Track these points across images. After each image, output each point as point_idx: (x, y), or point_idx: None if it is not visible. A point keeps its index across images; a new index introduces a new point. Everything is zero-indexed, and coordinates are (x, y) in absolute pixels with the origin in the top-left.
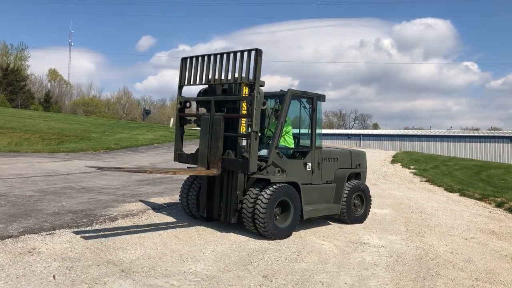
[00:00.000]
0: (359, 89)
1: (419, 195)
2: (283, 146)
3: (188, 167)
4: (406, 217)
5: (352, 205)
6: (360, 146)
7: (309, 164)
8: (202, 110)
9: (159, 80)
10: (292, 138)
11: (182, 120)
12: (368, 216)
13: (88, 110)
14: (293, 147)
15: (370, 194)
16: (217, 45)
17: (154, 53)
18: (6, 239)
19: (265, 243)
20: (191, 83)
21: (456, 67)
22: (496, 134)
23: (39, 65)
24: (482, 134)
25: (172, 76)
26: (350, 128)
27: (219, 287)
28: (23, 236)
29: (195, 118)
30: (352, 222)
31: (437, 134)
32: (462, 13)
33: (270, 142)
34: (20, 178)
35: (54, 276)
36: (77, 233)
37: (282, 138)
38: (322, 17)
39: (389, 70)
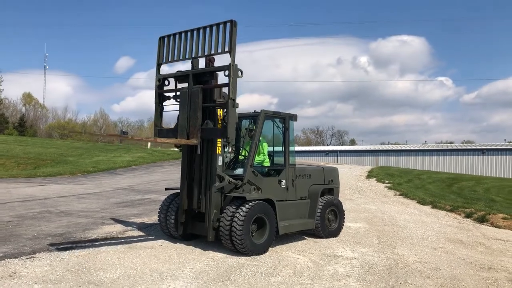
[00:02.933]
0: (336, 106)
1: (392, 208)
2: (258, 164)
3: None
4: (379, 230)
5: (326, 220)
6: (337, 162)
7: (284, 181)
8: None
9: (137, 101)
10: (267, 156)
11: (161, 97)
12: (342, 230)
13: (64, 134)
14: (268, 165)
15: (344, 208)
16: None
17: (132, 74)
18: None
19: (242, 259)
20: (169, 60)
21: (431, 83)
22: (468, 147)
23: (13, 88)
24: (455, 148)
25: (150, 97)
26: (327, 145)
27: None
28: (3, 261)
29: (174, 93)
30: (327, 236)
31: (412, 148)
32: (436, 30)
33: (245, 161)
34: None
35: None
36: (57, 256)
37: (262, 155)
38: (299, 36)
39: (366, 87)
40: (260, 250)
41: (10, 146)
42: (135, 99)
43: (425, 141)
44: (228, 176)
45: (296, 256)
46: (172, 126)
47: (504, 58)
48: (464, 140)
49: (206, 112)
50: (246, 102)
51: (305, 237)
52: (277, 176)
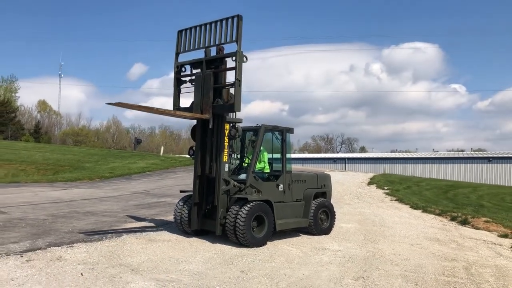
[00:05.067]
0: (348, 113)
1: (385, 212)
2: (259, 170)
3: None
4: (367, 229)
5: (319, 219)
6: (345, 169)
7: (281, 185)
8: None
9: None
10: (267, 164)
11: (179, 81)
12: (334, 229)
13: (78, 140)
14: (268, 171)
15: (341, 212)
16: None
17: (145, 81)
18: (37, 251)
19: (244, 250)
20: (186, 49)
21: (444, 90)
22: (475, 155)
23: (28, 95)
24: (462, 156)
25: (162, 104)
26: (337, 152)
27: (206, 277)
28: (49, 248)
29: (190, 78)
30: (319, 234)
31: (420, 156)
32: (449, 37)
33: (248, 167)
34: (30, 205)
35: (82, 273)
36: (91, 245)
37: (263, 163)
38: (312, 43)
39: (378, 94)
40: (260, 243)
41: (30, 152)
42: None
43: (433, 149)
44: (233, 180)
45: (290, 248)
46: (188, 105)
47: None
48: (472, 148)
49: (216, 92)
50: (258, 108)
51: (300, 234)
52: (275, 180)
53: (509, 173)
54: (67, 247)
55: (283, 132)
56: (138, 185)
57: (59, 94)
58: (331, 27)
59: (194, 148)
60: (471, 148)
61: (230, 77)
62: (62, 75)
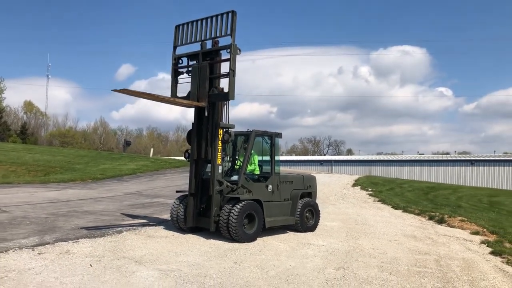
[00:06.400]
0: (336, 115)
1: (368, 212)
2: (250, 172)
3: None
4: (349, 227)
5: (305, 218)
6: (332, 171)
7: (270, 186)
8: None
9: (137, 109)
10: (258, 166)
11: (176, 72)
12: (318, 227)
13: (65, 141)
14: (258, 173)
15: (326, 211)
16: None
17: (133, 81)
18: (46, 245)
19: (236, 245)
20: (183, 43)
21: (431, 93)
22: (458, 158)
23: (13, 95)
24: (446, 158)
25: (149, 106)
26: (324, 155)
27: (204, 268)
28: (57, 243)
29: (187, 69)
30: (305, 231)
31: (404, 159)
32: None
33: (240, 169)
34: (29, 205)
35: (91, 264)
36: (95, 241)
37: (254, 165)
38: (300, 45)
39: (366, 97)
40: (250, 238)
41: (20, 153)
42: (134, 107)
43: (418, 152)
44: (226, 181)
45: (278, 244)
46: (185, 95)
47: (504, 69)
48: (456, 151)
49: (212, 82)
50: (246, 110)
51: (287, 231)
52: (265, 181)
53: (490, 176)
54: (73, 242)
55: (272, 136)
56: (130, 186)
57: (47, 95)
58: (320, 30)
59: (189, 151)
60: (455, 151)
61: (224, 68)
62: (50, 76)
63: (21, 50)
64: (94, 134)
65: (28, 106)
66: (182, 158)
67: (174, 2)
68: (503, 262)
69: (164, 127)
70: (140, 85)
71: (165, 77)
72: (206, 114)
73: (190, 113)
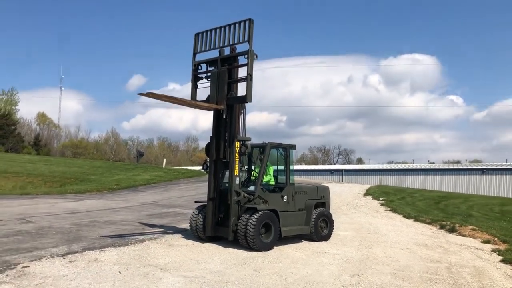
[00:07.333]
0: (346, 124)
1: (379, 221)
2: (266, 183)
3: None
4: (362, 236)
5: (319, 227)
6: (342, 181)
7: (285, 196)
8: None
9: (147, 119)
10: (273, 177)
11: (196, 78)
12: (332, 236)
13: (77, 152)
14: (273, 184)
15: (338, 221)
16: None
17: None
18: (75, 253)
19: (254, 253)
20: (203, 50)
21: (441, 101)
22: (469, 167)
23: (27, 107)
24: (457, 167)
25: (160, 116)
26: (334, 163)
27: (225, 275)
28: (85, 252)
29: (206, 74)
30: (319, 240)
31: (415, 168)
32: (447, 48)
33: (256, 180)
34: (51, 216)
35: (119, 272)
36: (120, 250)
37: (269, 176)
38: (310, 54)
39: (376, 105)
40: (267, 247)
41: (35, 165)
42: (145, 117)
43: (428, 161)
44: (243, 192)
45: (294, 252)
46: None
47: None
48: (466, 160)
49: (230, 86)
50: (256, 120)
51: (302, 240)
52: (280, 192)
53: (502, 184)
54: (100, 251)
55: (287, 148)
56: (145, 196)
57: (59, 107)
58: (329, 39)
59: (208, 162)
60: (466, 160)
61: (241, 73)
62: (63, 88)
63: (34, 62)
64: (105, 144)
65: (42, 117)
66: (194, 168)
67: (184, 14)
68: None
69: (174, 137)
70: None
71: (176, 87)
72: (224, 117)
73: (200, 123)
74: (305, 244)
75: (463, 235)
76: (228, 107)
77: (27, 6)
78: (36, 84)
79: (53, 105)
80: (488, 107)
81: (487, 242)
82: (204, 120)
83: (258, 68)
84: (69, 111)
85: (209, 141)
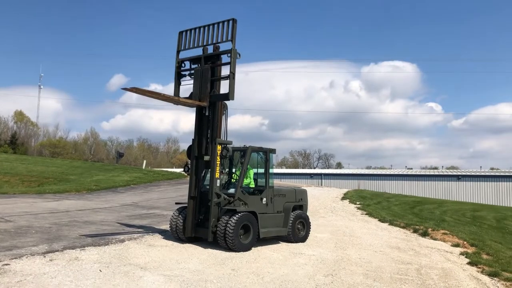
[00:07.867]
0: (327, 128)
1: (355, 224)
2: (246, 185)
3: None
4: (338, 238)
5: (296, 229)
6: (321, 185)
7: (264, 199)
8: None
9: (127, 119)
10: (253, 180)
11: (179, 75)
12: (309, 238)
13: (55, 152)
14: (253, 186)
15: (315, 224)
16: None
17: (125, 91)
18: (56, 252)
19: (233, 254)
20: (186, 47)
21: (421, 108)
22: (445, 173)
23: (3, 104)
24: (433, 173)
25: (140, 117)
26: (314, 168)
27: (204, 274)
28: (66, 251)
29: (189, 72)
30: (296, 241)
31: (393, 173)
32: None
33: (236, 183)
34: (30, 215)
35: (100, 270)
36: (100, 249)
37: (249, 179)
38: (293, 58)
39: (357, 111)
40: (246, 248)
41: (13, 164)
42: (125, 117)
43: (406, 166)
44: (223, 194)
45: (271, 253)
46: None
47: (492, 85)
48: (443, 166)
49: (212, 84)
50: (238, 122)
51: (279, 242)
52: (259, 194)
53: (476, 191)
54: (80, 250)
55: (267, 152)
56: (125, 197)
57: (38, 106)
58: (313, 44)
59: (189, 165)
60: (443, 166)
61: (224, 72)
62: (42, 87)
63: (13, 59)
64: (84, 144)
65: (19, 116)
66: (175, 170)
67: (166, 13)
68: (478, 271)
69: (154, 139)
70: (132, 95)
71: (157, 88)
72: (207, 114)
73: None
74: (283, 245)
75: (435, 239)
76: (210, 104)
77: (7, 3)
78: (13, 82)
79: (32, 104)
80: (466, 114)
81: (457, 245)
82: (186, 121)
83: (242, 70)
84: (48, 110)
85: (190, 144)
